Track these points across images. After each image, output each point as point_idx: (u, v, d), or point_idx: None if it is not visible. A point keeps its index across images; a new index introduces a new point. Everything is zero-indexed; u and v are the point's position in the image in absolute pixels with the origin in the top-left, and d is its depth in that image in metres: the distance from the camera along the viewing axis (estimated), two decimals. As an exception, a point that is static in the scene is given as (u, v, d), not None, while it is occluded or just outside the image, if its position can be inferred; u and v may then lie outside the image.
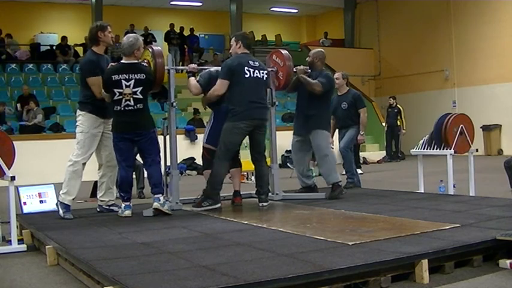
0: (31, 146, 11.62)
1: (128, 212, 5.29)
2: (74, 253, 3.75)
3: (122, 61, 5.36)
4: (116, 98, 5.22)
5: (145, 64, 5.68)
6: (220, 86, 5.60)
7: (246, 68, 5.59)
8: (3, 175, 4.68)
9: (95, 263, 3.39)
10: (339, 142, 8.00)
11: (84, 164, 5.48)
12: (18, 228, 4.99)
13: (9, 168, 4.70)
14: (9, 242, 4.74)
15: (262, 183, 5.80)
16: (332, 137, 8.21)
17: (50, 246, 4.20)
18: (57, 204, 5.47)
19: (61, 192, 5.43)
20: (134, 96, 5.21)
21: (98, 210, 5.72)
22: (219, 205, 5.66)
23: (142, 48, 5.46)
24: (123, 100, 5.20)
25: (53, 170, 12.00)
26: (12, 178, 4.62)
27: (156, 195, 5.32)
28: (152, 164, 5.40)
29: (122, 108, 5.22)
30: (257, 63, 5.70)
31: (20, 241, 4.78)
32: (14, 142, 4.94)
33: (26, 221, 5.21)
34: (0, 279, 3.79)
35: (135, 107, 5.23)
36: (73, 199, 5.48)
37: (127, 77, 5.20)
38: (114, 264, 3.38)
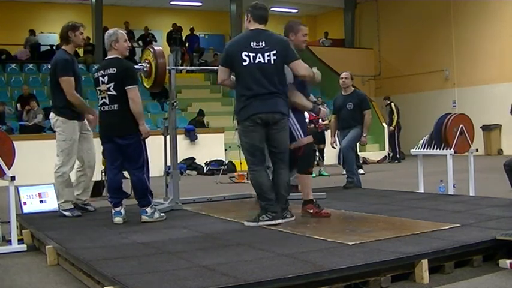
0: (31, 146, 11.60)
1: (117, 219, 4.96)
2: (74, 253, 3.75)
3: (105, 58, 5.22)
4: (98, 97, 5.07)
5: (146, 64, 5.68)
6: (219, 73, 4.79)
7: (244, 53, 4.58)
8: (3, 175, 4.68)
9: (95, 263, 3.38)
10: (339, 141, 7.95)
11: (71, 170, 5.47)
12: (18, 228, 4.99)
13: (9, 168, 4.70)
14: (9, 242, 4.73)
15: (278, 194, 4.73)
16: (334, 136, 8.21)
17: (50, 246, 4.20)
18: (60, 212, 5.45)
19: (59, 202, 5.46)
20: (108, 93, 4.95)
21: (73, 206, 5.55)
22: (279, 221, 4.64)
23: (123, 40, 5.08)
24: (100, 98, 5.03)
25: (53, 170, 12.05)
26: (12, 178, 4.62)
27: (142, 208, 5.04)
28: (136, 174, 5.02)
29: (100, 109, 5.07)
30: (262, 44, 4.60)
31: (20, 241, 4.78)
32: (14, 142, 4.94)
33: (26, 221, 5.21)
34: (0, 279, 3.79)
35: (110, 107, 4.97)
36: (71, 202, 5.51)
37: (103, 73, 5.01)
38: (114, 264, 3.38)
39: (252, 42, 4.61)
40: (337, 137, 8.07)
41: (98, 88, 5.05)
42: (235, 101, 4.87)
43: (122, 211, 5.02)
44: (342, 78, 7.85)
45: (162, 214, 5.14)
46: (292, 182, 6.81)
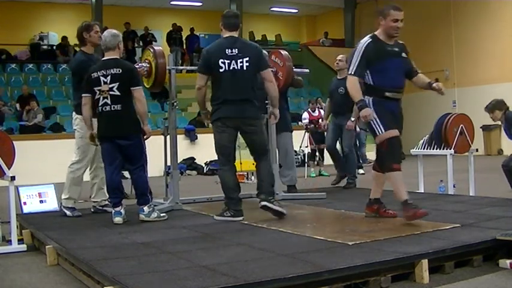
0: (31, 146, 11.61)
1: (117, 219, 4.94)
2: (74, 253, 3.75)
3: (103, 58, 5.11)
4: (96, 97, 4.97)
5: (146, 64, 5.68)
6: (198, 80, 5.05)
7: (220, 60, 4.85)
8: (3, 175, 4.68)
9: (95, 263, 3.39)
10: (329, 139, 7.66)
11: (85, 169, 5.50)
12: (18, 228, 4.99)
13: (9, 168, 4.70)
14: (9, 242, 4.74)
15: (261, 183, 5.04)
16: (326, 119, 8.00)
17: (50, 246, 4.20)
18: (61, 208, 5.49)
19: (63, 196, 5.46)
20: (111, 93, 4.91)
21: (92, 210, 5.71)
22: (240, 218, 4.91)
23: (122, 43, 5.18)
24: (101, 98, 4.94)
25: (53, 170, 11.97)
26: (12, 178, 4.62)
27: (140, 206, 5.06)
28: (137, 173, 5.07)
29: (100, 109, 4.96)
30: (235, 51, 4.87)
31: (20, 241, 4.78)
32: (14, 142, 4.94)
33: (26, 221, 5.21)
34: (0, 279, 3.79)
35: (112, 107, 4.92)
36: (74, 202, 5.52)
37: (104, 73, 4.93)
38: (114, 264, 3.38)
39: (226, 49, 4.87)
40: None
41: (97, 88, 4.97)
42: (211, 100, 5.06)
43: (122, 211, 5.01)
44: (336, 60, 7.48)
45: (162, 214, 5.13)
46: (290, 182, 6.83)
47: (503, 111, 6.43)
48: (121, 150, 5.01)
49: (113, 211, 5.02)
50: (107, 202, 5.58)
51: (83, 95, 5.06)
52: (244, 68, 4.86)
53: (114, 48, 5.07)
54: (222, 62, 4.85)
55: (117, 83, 4.93)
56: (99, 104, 4.98)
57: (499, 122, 6.77)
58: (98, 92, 4.98)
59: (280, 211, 4.88)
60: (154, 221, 5.00)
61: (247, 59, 4.86)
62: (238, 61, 4.85)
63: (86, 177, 5.69)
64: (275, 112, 5.20)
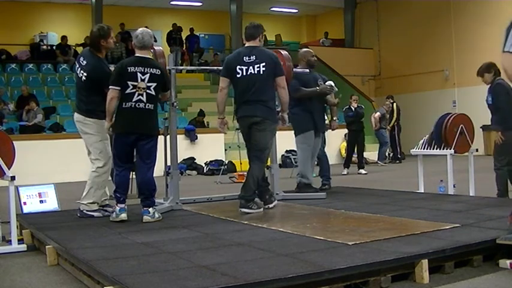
0: (31, 146, 11.60)
1: (123, 216, 4.98)
2: (74, 253, 3.75)
3: (137, 55, 5.09)
4: (128, 91, 4.94)
5: None
6: (220, 82, 5.54)
7: (238, 67, 5.38)
8: (3, 175, 4.68)
9: (95, 263, 3.39)
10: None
11: (109, 171, 5.46)
12: (18, 228, 4.99)
13: (9, 168, 4.70)
14: (9, 242, 4.73)
15: (246, 183, 5.39)
16: None
17: (50, 246, 4.20)
18: (84, 212, 5.36)
19: (86, 201, 5.33)
20: (148, 91, 4.96)
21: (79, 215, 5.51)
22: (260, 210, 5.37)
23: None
24: (136, 94, 4.94)
25: (53, 170, 12.04)
26: (12, 178, 4.62)
27: (145, 208, 5.04)
28: (147, 173, 5.08)
29: (133, 105, 4.95)
30: (253, 58, 5.35)
31: (20, 241, 4.78)
32: (14, 142, 4.94)
33: (26, 221, 5.21)
34: (0, 279, 3.79)
35: (146, 106, 4.97)
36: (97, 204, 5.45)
37: (143, 70, 4.97)
38: (114, 264, 3.38)
39: (244, 57, 5.40)
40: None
41: (132, 83, 4.95)
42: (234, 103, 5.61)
43: (126, 207, 5.05)
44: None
45: (159, 214, 5.14)
46: (306, 180, 6.71)
47: (492, 73, 6.24)
48: (138, 148, 5.05)
49: (118, 208, 5.01)
50: (107, 202, 5.53)
51: (112, 87, 4.98)
52: (261, 73, 5.35)
53: (149, 48, 5.17)
54: (239, 69, 5.38)
55: (155, 83, 5.03)
56: (133, 99, 4.96)
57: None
58: (131, 87, 4.96)
59: (257, 212, 5.31)
60: (155, 221, 5.01)
61: (263, 64, 5.35)
62: (255, 66, 5.35)
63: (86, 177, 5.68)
64: (285, 116, 5.65)
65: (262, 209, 5.41)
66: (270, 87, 5.43)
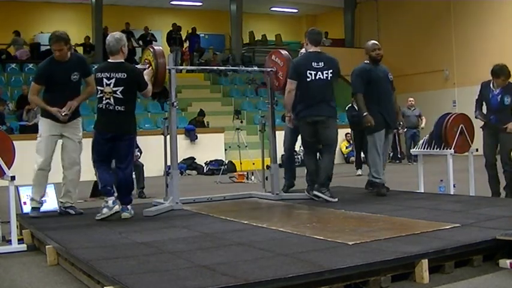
0: (31, 146, 11.54)
1: (117, 207, 5.07)
2: (74, 253, 3.75)
3: (108, 60, 5.28)
4: (98, 95, 5.20)
5: (145, 65, 5.67)
6: (289, 85, 5.91)
7: (308, 71, 5.81)
8: (3, 175, 4.68)
9: (95, 263, 3.39)
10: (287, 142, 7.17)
11: (48, 169, 5.50)
12: (18, 228, 4.99)
13: (9, 168, 4.70)
14: (9, 241, 4.74)
15: (319, 175, 5.92)
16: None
17: (50, 246, 4.20)
18: (65, 208, 5.51)
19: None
20: (114, 95, 5.10)
21: (58, 211, 5.60)
22: (335, 200, 5.80)
23: (126, 45, 5.33)
24: (104, 98, 5.13)
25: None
26: (12, 178, 4.62)
27: (124, 206, 5.18)
28: (125, 172, 5.23)
29: (103, 107, 5.15)
30: (321, 64, 5.85)
31: (20, 241, 4.77)
32: (14, 142, 4.94)
33: (26, 221, 5.21)
34: (0, 279, 3.79)
35: (116, 108, 5.12)
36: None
37: (108, 76, 5.11)
38: (114, 264, 3.39)
39: (313, 62, 5.86)
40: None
41: (100, 88, 5.16)
42: (297, 103, 5.99)
43: (117, 201, 5.15)
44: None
45: (134, 211, 5.29)
46: (379, 180, 6.37)
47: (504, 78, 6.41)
48: (114, 147, 5.18)
49: (110, 201, 5.08)
50: (71, 204, 5.57)
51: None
52: (329, 78, 5.89)
53: (118, 52, 5.19)
54: (309, 73, 5.83)
55: (122, 87, 5.11)
56: (102, 102, 5.17)
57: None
58: (99, 91, 5.16)
59: (329, 200, 5.77)
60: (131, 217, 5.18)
61: (331, 70, 5.91)
62: (324, 72, 5.86)
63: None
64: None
65: (335, 199, 5.80)
66: (332, 88, 5.99)
